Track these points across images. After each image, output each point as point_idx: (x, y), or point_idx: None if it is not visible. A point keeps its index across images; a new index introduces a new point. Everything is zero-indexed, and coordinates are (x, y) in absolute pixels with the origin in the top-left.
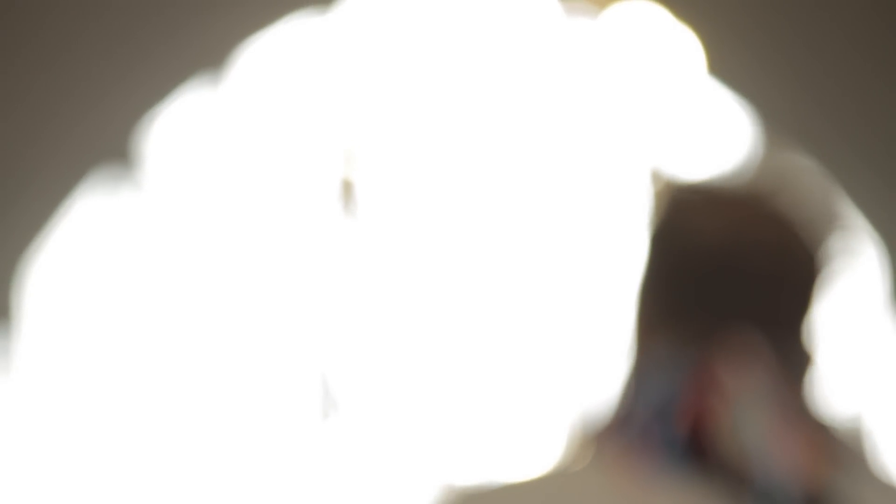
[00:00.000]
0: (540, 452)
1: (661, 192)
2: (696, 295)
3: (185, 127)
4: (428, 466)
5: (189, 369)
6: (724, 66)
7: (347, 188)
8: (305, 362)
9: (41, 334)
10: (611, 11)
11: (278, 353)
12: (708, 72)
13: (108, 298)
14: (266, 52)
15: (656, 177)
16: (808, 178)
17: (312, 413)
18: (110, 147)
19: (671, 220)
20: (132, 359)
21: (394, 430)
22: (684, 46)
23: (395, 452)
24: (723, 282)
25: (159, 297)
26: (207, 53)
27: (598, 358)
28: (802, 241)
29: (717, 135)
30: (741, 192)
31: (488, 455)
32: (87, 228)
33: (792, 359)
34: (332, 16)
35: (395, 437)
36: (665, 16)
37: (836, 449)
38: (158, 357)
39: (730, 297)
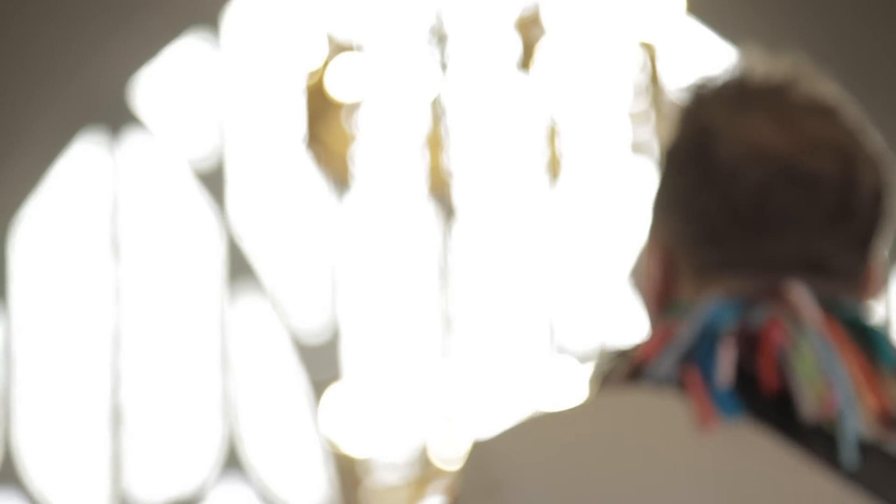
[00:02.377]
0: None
1: (678, 95)
2: (754, 210)
3: (177, 83)
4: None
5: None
6: (703, 5)
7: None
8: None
9: (32, 295)
10: None
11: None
12: (687, 12)
13: (99, 258)
14: (257, 9)
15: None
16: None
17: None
18: (101, 106)
19: (702, 123)
20: (119, 321)
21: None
22: None
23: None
24: (787, 190)
25: (157, 255)
26: (199, 11)
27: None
28: (861, 141)
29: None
30: (776, 86)
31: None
32: (78, 186)
33: (854, 288)
34: None
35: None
36: None
37: None
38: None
39: (796, 209)
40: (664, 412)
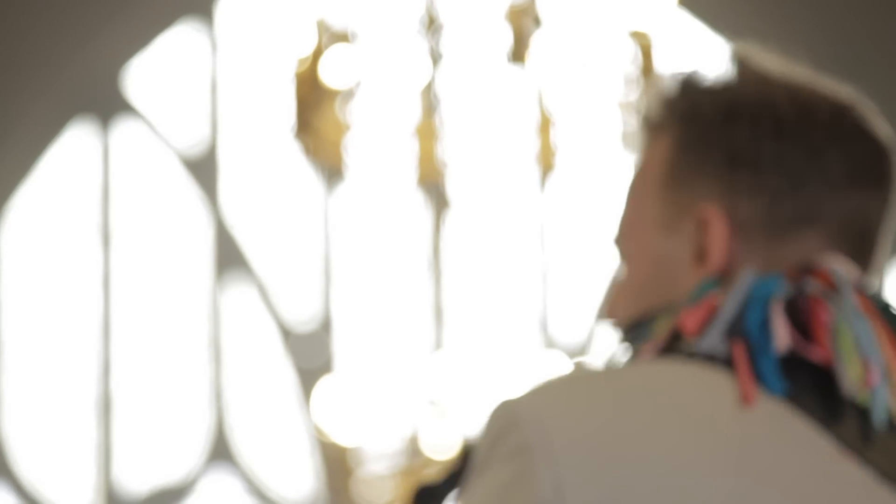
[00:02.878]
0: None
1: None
2: (819, 160)
3: (169, 72)
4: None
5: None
6: None
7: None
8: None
9: (21, 283)
10: None
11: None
12: (678, 5)
13: (93, 243)
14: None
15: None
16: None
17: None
18: (93, 94)
19: (743, 79)
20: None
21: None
22: None
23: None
24: (845, 138)
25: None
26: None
27: None
28: (873, 116)
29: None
30: (775, 63)
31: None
32: (70, 174)
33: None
34: None
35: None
36: None
37: None
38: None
39: (850, 159)
40: (703, 384)
